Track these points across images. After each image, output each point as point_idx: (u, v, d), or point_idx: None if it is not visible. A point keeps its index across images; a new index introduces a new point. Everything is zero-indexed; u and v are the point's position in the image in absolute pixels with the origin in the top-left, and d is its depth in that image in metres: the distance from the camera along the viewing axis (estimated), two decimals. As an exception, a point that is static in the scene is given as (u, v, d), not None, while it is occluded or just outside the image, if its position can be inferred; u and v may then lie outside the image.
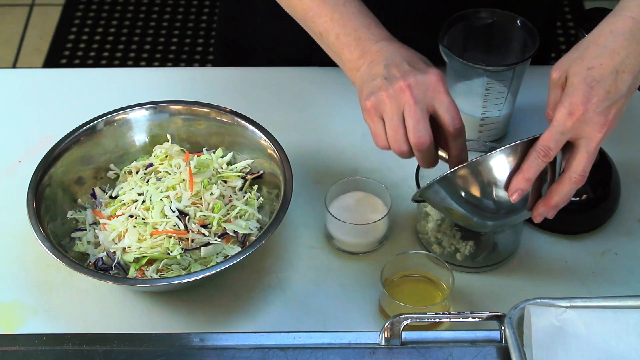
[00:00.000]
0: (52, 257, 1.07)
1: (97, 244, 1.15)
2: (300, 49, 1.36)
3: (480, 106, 1.25)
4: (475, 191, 1.01)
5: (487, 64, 1.21)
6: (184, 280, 1.05)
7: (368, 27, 1.08)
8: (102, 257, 1.13)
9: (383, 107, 1.02)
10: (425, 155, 1.04)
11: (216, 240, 1.13)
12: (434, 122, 1.04)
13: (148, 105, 1.25)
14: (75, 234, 1.16)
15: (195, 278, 1.05)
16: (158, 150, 1.23)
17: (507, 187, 1.00)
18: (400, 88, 1.01)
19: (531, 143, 1.00)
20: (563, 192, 1.01)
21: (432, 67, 1.04)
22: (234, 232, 1.15)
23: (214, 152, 1.24)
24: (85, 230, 1.17)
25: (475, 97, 1.25)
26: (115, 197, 1.20)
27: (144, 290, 1.14)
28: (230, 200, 1.18)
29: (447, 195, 1.02)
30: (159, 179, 1.19)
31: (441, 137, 1.05)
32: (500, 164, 1.00)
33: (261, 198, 1.20)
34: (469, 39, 1.25)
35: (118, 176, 1.24)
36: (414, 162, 1.15)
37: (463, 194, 1.01)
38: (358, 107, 1.36)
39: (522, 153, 1.00)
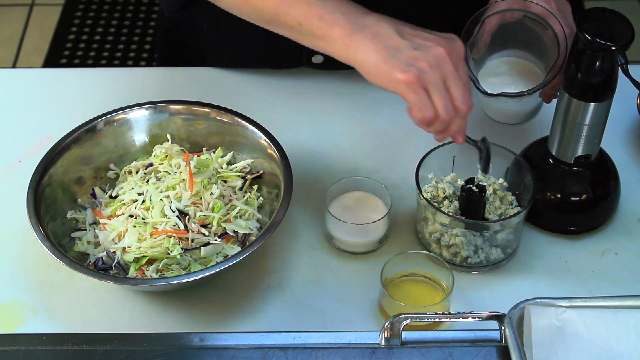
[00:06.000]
0: (52, 257, 1.07)
1: (97, 244, 1.15)
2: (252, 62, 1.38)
3: (512, 102, 1.25)
4: None
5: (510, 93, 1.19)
6: (184, 280, 1.05)
7: (348, 2, 1.05)
8: (102, 257, 1.13)
9: (426, 77, 1.00)
10: (463, 121, 1.03)
11: (216, 240, 1.13)
12: None
13: (148, 105, 1.25)
14: (75, 234, 1.16)
15: (195, 278, 1.05)
16: (158, 150, 1.23)
17: None
18: (440, 55, 1.00)
19: None
20: None
21: (449, 33, 1.03)
22: (234, 232, 1.15)
23: (214, 152, 1.24)
24: (85, 230, 1.17)
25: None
26: (115, 197, 1.20)
27: (144, 290, 1.14)
28: (230, 200, 1.18)
29: None
30: (159, 179, 1.19)
31: None
32: None
33: (261, 198, 1.20)
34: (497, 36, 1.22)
35: (118, 176, 1.24)
36: (413, 161, 1.16)
37: None
38: (358, 107, 1.37)
39: None
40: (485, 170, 1.13)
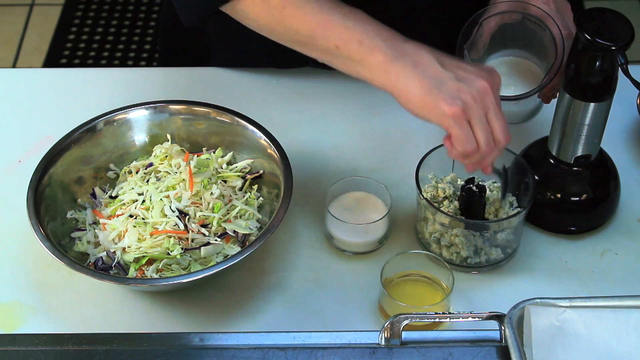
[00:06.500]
0: (52, 257, 1.07)
1: (97, 244, 1.15)
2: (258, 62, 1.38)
3: (511, 104, 1.25)
4: None
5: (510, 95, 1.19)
6: (184, 280, 1.05)
7: (387, 29, 1.04)
8: (102, 257, 1.13)
9: (470, 110, 0.99)
10: (499, 153, 1.04)
11: (216, 240, 1.13)
12: None
13: (148, 105, 1.25)
14: (75, 234, 1.16)
15: (195, 278, 1.05)
16: (158, 150, 1.23)
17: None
18: (484, 89, 0.99)
19: None
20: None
21: (486, 65, 1.04)
22: (234, 232, 1.15)
23: (214, 152, 1.24)
24: (85, 230, 1.17)
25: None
26: (115, 197, 1.20)
27: (144, 290, 1.14)
28: (230, 200, 1.18)
29: None
30: (158, 179, 1.19)
31: None
32: None
33: (261, 198, 1.20)
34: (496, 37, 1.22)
35: (118, 176, 1.24)
36: (413, 161, 1.16)
37: None
38: (358, 107, 1.37)
39: None
40: (503, 195, 1.15)
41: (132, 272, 1.11)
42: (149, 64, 2.85)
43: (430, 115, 1.00)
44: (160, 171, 1.21)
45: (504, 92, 1.18)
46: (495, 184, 1.19)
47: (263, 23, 1.09)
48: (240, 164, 1.23)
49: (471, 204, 1.14)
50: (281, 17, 1.06)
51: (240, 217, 1.17)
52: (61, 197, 1.18)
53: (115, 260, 1.12)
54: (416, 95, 1.00)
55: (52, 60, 2.86)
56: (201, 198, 1.16)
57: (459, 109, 0.98)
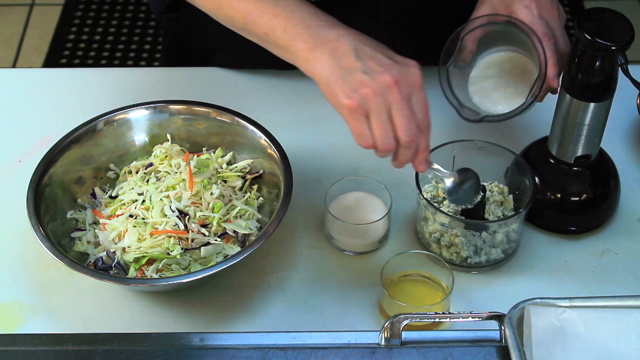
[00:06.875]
0: (52, 257, 1.07)
1: (97, 244, 1.15)
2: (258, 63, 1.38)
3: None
4: None
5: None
6: (184, 280, 1.05)
7: (315, 14, 1.03)
8: (102, 257, 1.13)
9: (368, 106, 0.97)
10: (410, 151, 1.00)
11: (216, 240, 1.13)
12: None
13: (148, 105, 1.25)
14: (75, 234, 1.16)
15: (195, 278, 1.05)
16: (158, 150, 1.23)
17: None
18: (386, 84, 0.96)
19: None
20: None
21: (409, 59, 1.00)
22: (234, 231, 1.15)
23: (214, 152, 1.24)
24: (85, 230, 1.17)
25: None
26: (115, 197, 1.20)
27: (144, 290, 1.14)
28: (230, 200, 1.18)
29: None
30: (158, 179, 1.19)
31: None
32: None
33: (261, 198, 1.20)
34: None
35: (118, 176, 1.24)
36: (414, 162, 1.15)
37: None
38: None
39: None
40: (468, 201, 1.11)
41: (132, 272, 1.11)
42: (149, 64, 2.85)
43: (333, 104, 1.00)
44: (160, 171, 1.21)
45: (496, 95, 1.17)
46: (496, 184, 1.18)
47: (207, 9, 1.12)
48: (240, 164, 1.23)
49: (471, 204, 1.14)
50: (219, 4, 1.08)
51: (240, 217, 1.17)
52: (61, 197, 1.18)
53: (115, 260, 1.12)
54: (324, 83, 1.00)
55: (52, 60, 2.86)
56: (201, 198, 1.16)
57: (356, 102, 0.97)
